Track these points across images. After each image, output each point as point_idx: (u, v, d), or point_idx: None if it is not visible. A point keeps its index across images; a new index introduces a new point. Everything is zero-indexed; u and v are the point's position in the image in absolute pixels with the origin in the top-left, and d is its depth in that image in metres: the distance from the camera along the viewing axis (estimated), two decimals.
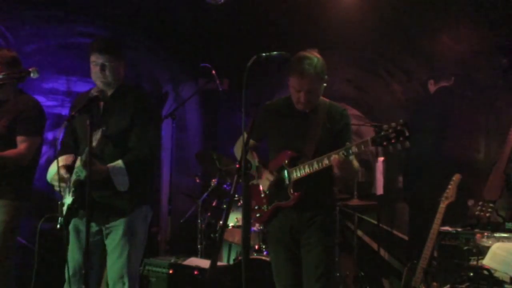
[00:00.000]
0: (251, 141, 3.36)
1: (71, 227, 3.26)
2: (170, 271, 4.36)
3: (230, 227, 4.99)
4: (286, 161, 3.16)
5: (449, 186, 3.87)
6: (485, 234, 3.74)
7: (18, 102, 3.78)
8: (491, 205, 3.78)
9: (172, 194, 5.65)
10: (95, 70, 3.22)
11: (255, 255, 4.54)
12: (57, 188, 3.18)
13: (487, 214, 3.76)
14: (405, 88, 5.70)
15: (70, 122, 3.26)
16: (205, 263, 4.47)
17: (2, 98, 3.77)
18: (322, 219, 3.16)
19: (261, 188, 3.27)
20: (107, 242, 3.24)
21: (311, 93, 3.09)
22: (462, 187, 3.92)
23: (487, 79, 4.80)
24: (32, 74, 3.62)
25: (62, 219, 3.19)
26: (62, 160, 3.30)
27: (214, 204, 5.39)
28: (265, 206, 3.27)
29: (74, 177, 3.16)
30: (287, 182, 3.15)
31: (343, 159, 2.90)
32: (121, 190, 3.13)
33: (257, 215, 3.33)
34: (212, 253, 5.06)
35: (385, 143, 2.76)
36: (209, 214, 5.32)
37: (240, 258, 4.74)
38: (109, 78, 3.21)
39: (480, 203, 3.85)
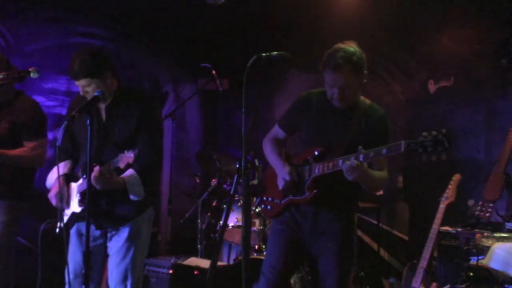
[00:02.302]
0: (283, 134, 3.26)
1: (73, 230, 3.24)
2: (170, 271, 4.36)
3: (230, 227, 4.98)
4: (312, 157, 3.00)
5: (449, 186, 3.87)
6: (485, 234, 3.74)
7: (18, 104, 3.79)
8: (491, 205, 3.78)
9: (172, 194, 5.66)
10: (83, 93, 3.11)
11: (255, 255, 4.54)
12: (54, 204, 3.16)
13: (487, 214, 3.75)
14: (405, 88, 5.69)
15: (70, 124, 3.24)
16: (205, 263, 4.47)
17: (2, 99, 3.78)
18: (340, 228, 3.00)
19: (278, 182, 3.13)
20: (110, 244, 3.21)
21: (346, 90, 2.90)
22: (462, 187, 3.92)
23: (487, 79, 4.80)
24: (32, 74, 3.64)
25: (62, 223, 3.17)
26: (60, 167, 3.22)
27: (214, 204, 5.39)
28: (278, 199, 3.13)
29: (82, 184, 3.12)
30: (307, 177, 3.01)
31: (355, 165, 2.72)
32: (135, 199, 3.10)
33: (268, 207, 3.19)
34: (212, 253, 5.06)
35: (420, 150, 2.58)
36: (209, 214, 5.32)
37: (240, 258, 4.74)
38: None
39: (480, 203, 3.84)
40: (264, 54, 2.73)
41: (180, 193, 5.92)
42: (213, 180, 5.45)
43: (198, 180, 5.83)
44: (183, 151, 6.71)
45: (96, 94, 2.97)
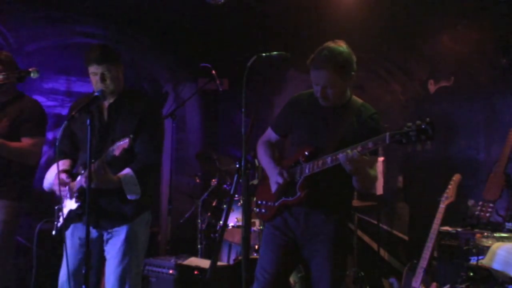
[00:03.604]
0: (276, 137, 3.26)
1: (68, 232, 3.22)
2: (170, 271, 4.36)
3: (230, 227, 4.98)
4: (302, 157, 2.98)
5: (449, 186, 3.87)
6: (485, 234, 3.74)
7: (20, 103, 3.81)
8: (491, 205, 3.78)
9: (172, 194, 5.66)
10: (95, 80, 3.17)
11: (255, 255, 4.54)
12: (57, 192, 3.15)
13: (487, 214, 3.76)
14: (405, 88, 5.70)
15: (70, 123, 3.23)
16: (205, 263, 4.47)
17: (3, 99, 3.79)
18: (332, 230, 2.97)
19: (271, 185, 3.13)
20: (107, 248, 3.20)
21: (328, 89, 2.89)
22: (462, 187, 3.92)
23: (487, 79, 4.80)
24: (32, 74, 3.65)
25: (58, 224, 3.16)
26: (60, 165, 3.22)
27: (214, 204, 5.39)
28: (271, 202, 3.11)
29: (79, 181, 3.11)
30: (298, 178, 2.99)
31: (354, 156, 2.69)
32: (132, 198, 3.09)
33: (262, 210, 3.17)
34: (212, 253, 5.06)
35: (404, 141, 2.55)
36: (209, 214, 5.32)
37: (240, 258, 4.74)
38: (111, 86, 3.17)
39: (480, 203, 3.85)
40: (264, 54, 2.73)
41: (180, 193, 5.92)
42: (213, 180, 5.45)
43: (198, 180, 5.83)
44: (183, 151, 6.72)
45: (96, 94, 2.97)
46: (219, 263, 4.83)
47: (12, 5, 5.27)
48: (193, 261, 4.56)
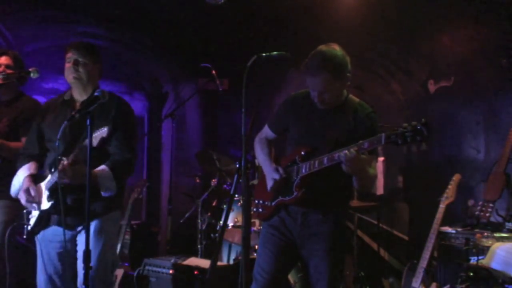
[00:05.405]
0: (273, 135, 3.27)
1: (40, 237, 3.20)
2: (170, 271, 4.36)
3: (230, 227, 4.98)
4: (299, 157, 2.99)
5: (449, 186, 3.87)
6: (485, 234, 3.74)
7: (20, 102, 3.82)
8: (491, 205, 3.78)
9: (172, 194, 5.66)
10: (67, 66, 3.19)
11: (255, 255, 4.54)
12: (23, 201, 3.14)
13: (487, 214, 3.75)
14: (405, 88, 5.70)
15: (40, 124, 3.25)
16: (205, 263, 4.47)
17: (4, 98, 3.80)
18: (330, 229, 2.99)
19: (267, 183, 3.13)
20: (78, 238, 3.17)
21: (325, 94, 2.92)
22: (462, 187, 3.92)
23: (487, 79, 4.80)
24: (32, 74, 3.66)
25: (29, 227, 3.16)
26: (25, 169, 3.23)
27: (214, 204, 5.39)
28: (268, 201, 3.13)
29: (51, 180, 3.08)
30: (294, 177, 3.01)
31: (352, 156, 2.69)
32: (107, 195, 3.09)
33: (260, 210, 3.18)
34: (212, 253, 5.06)
35: (399, 142, 2.58)
36: (209, 214, 5.32)
37: (240, 258, 4.74)
38: (82, 75, 3.17)
39: (480, 203, 3.85)
40: (264, 54, 2.73)
41: (180, 193, 5.92)
42: (213, 180, 5.46)
43: (198, 180, 5.83)
44: (183, 151, 6.72)
45: (96, 94, 2.95)
46: (219, 263, 4.83)
47: (12, 5, 5.27)
48: (193, 261, 4.56)
